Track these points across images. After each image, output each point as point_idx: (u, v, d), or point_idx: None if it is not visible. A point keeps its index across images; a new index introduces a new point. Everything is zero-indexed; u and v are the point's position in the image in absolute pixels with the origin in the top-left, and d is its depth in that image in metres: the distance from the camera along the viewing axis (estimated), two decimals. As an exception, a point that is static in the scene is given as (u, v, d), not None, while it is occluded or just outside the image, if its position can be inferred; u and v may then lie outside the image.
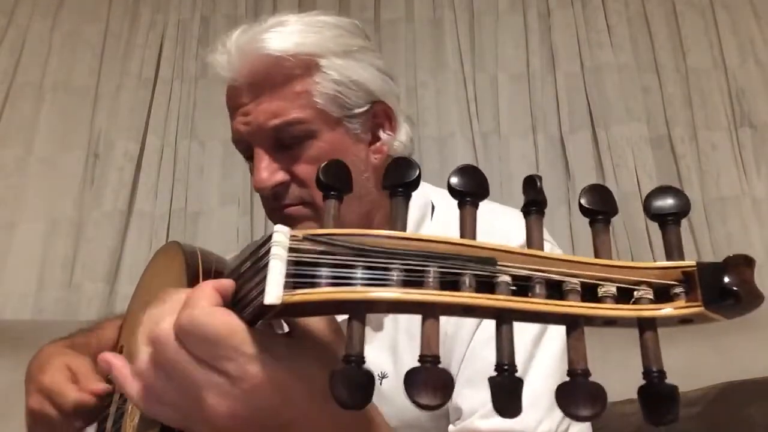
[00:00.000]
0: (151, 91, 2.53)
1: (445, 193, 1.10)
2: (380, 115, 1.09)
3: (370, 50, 1.09)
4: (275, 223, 1.13)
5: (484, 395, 0.89)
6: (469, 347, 0.92)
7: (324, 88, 1.02)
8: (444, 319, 0.96)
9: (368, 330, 0.98)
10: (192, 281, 0.89)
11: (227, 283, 0.53)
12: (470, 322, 0.92)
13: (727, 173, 2.33)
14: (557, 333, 0.93)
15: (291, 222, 1.03)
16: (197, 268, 0.91)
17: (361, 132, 1.06)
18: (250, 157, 1.07)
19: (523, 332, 0.91)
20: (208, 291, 0.52)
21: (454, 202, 1.07)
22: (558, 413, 0.88)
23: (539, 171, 2.37)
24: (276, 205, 1.05)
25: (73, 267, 2.34)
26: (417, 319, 0.97)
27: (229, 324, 0.50)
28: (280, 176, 1.03)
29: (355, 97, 1.04)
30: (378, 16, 2.62)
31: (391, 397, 0.96)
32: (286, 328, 0.55)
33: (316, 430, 0.55)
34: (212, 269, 0.92)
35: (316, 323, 0.54)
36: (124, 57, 2.59)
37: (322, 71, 1.02)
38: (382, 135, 1.08)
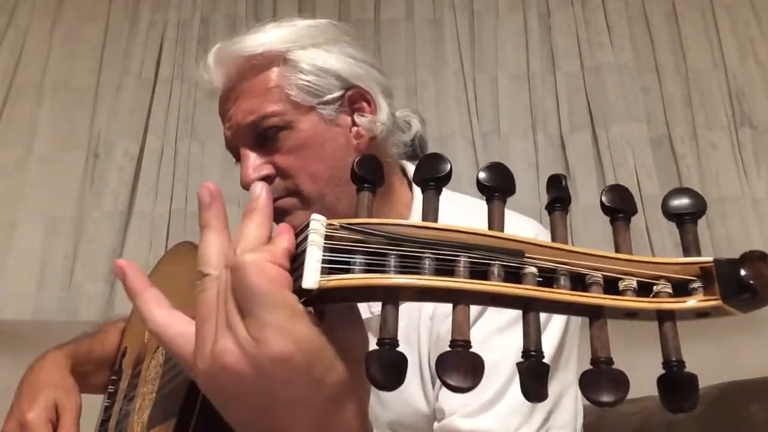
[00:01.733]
0: (151, 91, 2.54)
1: (447, 193, 1.11)
2: (357, 99, 1.10)
3: (345, 42, 1.11)
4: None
5: (469, 396, 0.90)
6: None
7: (294, 80, 1.04)
8: (437, 321, 0.97)
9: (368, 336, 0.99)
10: None
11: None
12: None
13: (727, 173, 2.34)
14: (547, 343, 0.94)
15: (281, 215, 1.05)
16: None
17: (336, 116, 1.07)
18: (239, 160, 1.10)
19: (510, 341, 0.92)
20: (284, 249, 0.49)
21: (451, 200, 1.07)
22: (537, 420, 0.90)
23: (539, 171, 2.38)
24: None
25: (73, 267, 2.35)
26: (416, 326, 0.97)
27: (285, 289, 0.47)
28: (265, 171, 1.05)
29: (326, 84, 1.06)
30: (378, 16, 2.63)
31: (389, 400, 0.98)
32: None
33: (306, 422, 0.52)
34: None
35: (344, 321, 0.53)
36: (124, 57, 2.59)
37: (290, 64, 1.05)
38: (360, 118, 1.09)
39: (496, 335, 0.92)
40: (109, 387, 1.16)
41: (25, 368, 1.16)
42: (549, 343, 0.93)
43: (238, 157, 1.10)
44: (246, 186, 1.04)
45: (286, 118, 1.04)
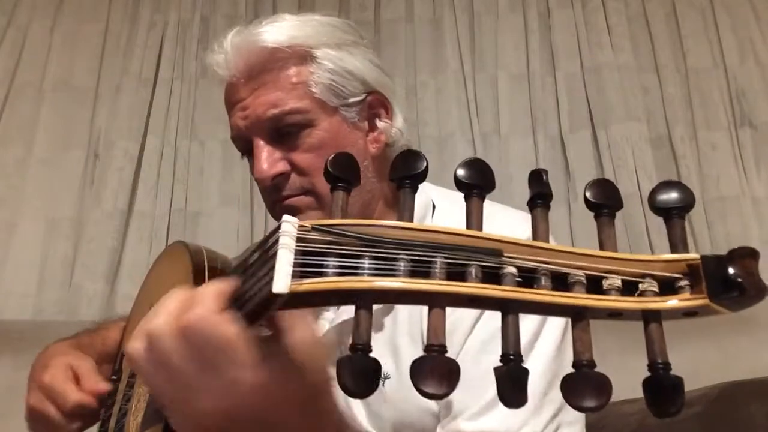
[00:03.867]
0: (151, 91, 2.53)
1: (446, 192, 1.11)
2: (376, 105, 1.10)
3: (363, 46, 1.11)
4: (276, 217, 1.13)
5: (472, 398, 0.89)
6: (462, 350, 0.92)
7: (320, 78, 1.03)
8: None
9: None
10: (198, 280, 0.89)
11: (230, 284, 0.54)
12: (464, 326, 0.93)
13: (727, 173, 2.33)
14: (550, 337, 0.93)
15: (294, 212, 1.04)
16: (203, 266, 0.91)
17: (357, 120, 1.07)
18: (248, 152, 1.09)
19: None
20: (213, 293, 0.53)
21: (455, 201, 1.06)
22: (544, 416, 0.89)
23: (539, 171, 2.37)
24: (277, 196, 1.06)
25: (73, 267, 2.34)
26: (418, 321, 0.97)
27: (235, 330, 0.51)
28: (281, 166, 1.04)
29: (350, 87, 1.06)
30: (378, 16, 2.63)
31: (393, 398, 0.96)
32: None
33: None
34: (218, 268, 0.92)
35: (300, 331, 0.55)
36: (124, 57, 2.59)
37: (317, 61, 1.04)
38: (379, 123, 1.10)
39: (498, 336, 0.91)
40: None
41: (26, 368, 1.16)
42: (549, 344, 0.93)
43: (244, 149, 1.10)
44: (260, 180, 1.04)
45: (309, 116, 1.03)
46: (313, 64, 1.04)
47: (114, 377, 1.17)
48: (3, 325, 2.12)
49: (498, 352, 0.88)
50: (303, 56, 1.04)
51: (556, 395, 0.90)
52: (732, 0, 2.53)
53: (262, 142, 1.04)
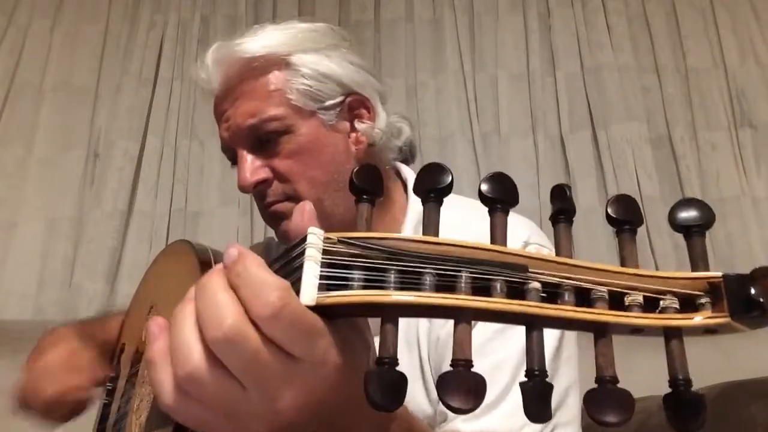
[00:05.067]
0: (151, 91, 2.53)
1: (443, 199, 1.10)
2: (356, 106, 1.10)
3: (344, 48, 1.11)
4: (267, 223, 1.13)
5: None
6: None
7: (295, 84, 1.04)
8: (437, 324, 0.97)
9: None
10: None
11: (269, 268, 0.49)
12: None
13: (727, 173, 2.34)
14: (550, 339, 0.93)
15: (277, 219, 1.06)
16: (211, 264, 0.91)
17: (336, 122, 1.08)
18: (235, 162, 1.10)
19: (511, 341, 0.91)
20: (271, 279, 0.47)
21: (455, 206, 1.07)
22: None
23: (539, 171, 2.38)
24: (262, 204, 1.08)
25: (73, 267, 2.34)
26: (414, 326, 0.97)
27: (313, 314, 0.47)
28: (262, 173, 1.05)
29: (327, 90, 1.06)
30: (378, 16, 2.63)
31: None
32: None
33: (365, 424, 0.55)
34: None
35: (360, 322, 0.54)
36: (124, 57, 2.59)
37: (292, 68, 1.05)
38: (360, 125, 1.10)
39: (497, 337, 0.92)
40: (107, 384, 1.16)
41: (25, 368, 1.16)
42: (548, 343, 0.93)
43: (232, 159, 1.11)
44: (243, 188, 1.05)
45: (287, 122, 1.04)
46: (288, 71, 1.05)
47: (112, 375, 1.17)
48: (3, 325, 2.11)
49: (496, 353, 0.89)
50: (278, 64, 1.05)
51: (553, 396, 0.91)
52: (732, 0, 2.53)
53: (244, 152, 1.06)
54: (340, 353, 0.49)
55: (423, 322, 0.99)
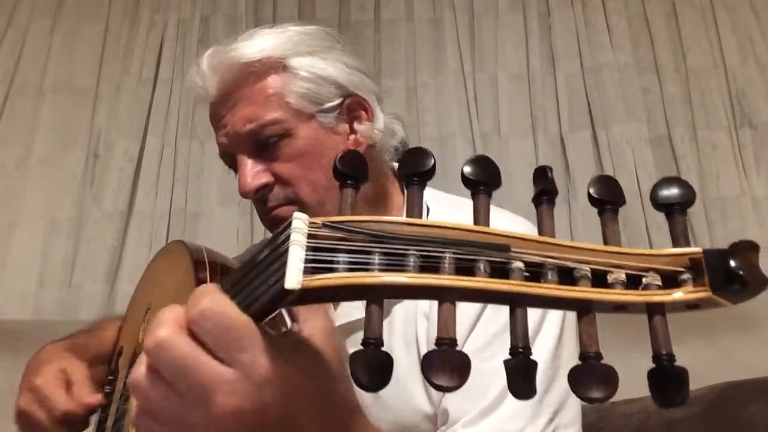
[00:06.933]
0: (151, 91, 2.54)
1: (439, 195, 1.10)
2: (355, 107, 1.10)
3: (339, 50, 1.11)
4: (268, 229, 1.13)
5: (471, 403, 0.89)
6: None
7: (294, 87, 1.04)
8: (435, 324, 0.97)
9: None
10: (200, 276, 0.89)
11: (229, 280, 0.53)
12: (462, 329, 0.93)
13: (727, 173, 2.34)
14: (549, 341, 0.93)
15: (278, 224, 1.04)
16: (205, 264, 0.91)
17: (336, 124, 1.08)
18: (234, 168, 1.10)
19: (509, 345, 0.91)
20: (213, 287, 0.52)
21: (447, 204, 1.05)
22: (543, 419, 0.89)
23: (539, 171, 2.37)
24: (264, 209, 1.07)
25: (73, 267, 2.35)
26: (413, 326, 0.97)
27: (242, 315, 0.50)
28: (264, 178, 1.05)
29: (325, 92, 1.06)
30: (378, 16, 2.63)
31: (390, 402, 0.96)
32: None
33: (314, 427, 0.55)
34: (219, 265, 0.92)
35: (316, 322, 0.55)
36: (124, 57, 2.59)
37: (289, 71, 1.05)
38: (359, 126, 1.10)
39: (495, 340, 0.92)
40: (106, 387, 1.16)
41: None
42: (548, 342, 0.93)
43: (231, 164, 1.11)
44: (245, 194, 1.05)
45: (287, 125, 1.04)
46: (285, 74, 1.05)
47: (110, 377, 1.17)
48: (3, 325, 2.12)
49: (496, 357, 0.88)
50: (275, 67, 1.05)
51: (554, 398, 0.91)
52: (732, 0, 2.53)
53: (244, 157, 1.05)
54: (277, 365, 0.51)
55: (421, 320, 0.99)
